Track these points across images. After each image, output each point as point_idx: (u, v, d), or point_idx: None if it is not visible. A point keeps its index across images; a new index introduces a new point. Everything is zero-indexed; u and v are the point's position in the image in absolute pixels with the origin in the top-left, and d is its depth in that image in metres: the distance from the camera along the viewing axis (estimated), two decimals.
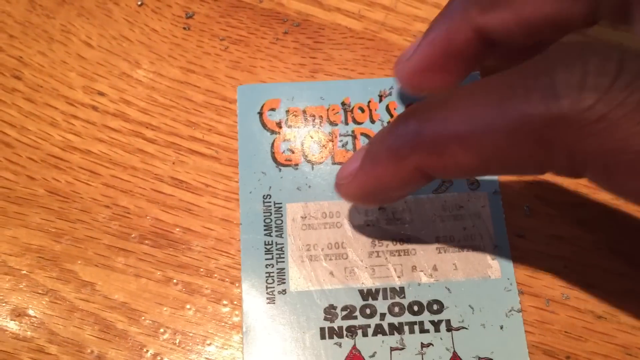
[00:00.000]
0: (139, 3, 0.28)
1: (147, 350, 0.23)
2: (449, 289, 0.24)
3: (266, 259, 0.24)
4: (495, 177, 0.25)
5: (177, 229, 0.25)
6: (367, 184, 0.21)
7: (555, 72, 0.15)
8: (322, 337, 0.23)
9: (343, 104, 0.27)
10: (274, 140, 0.26)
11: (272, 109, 0.27)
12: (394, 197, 0.22)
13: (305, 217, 0.25)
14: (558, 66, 0.15)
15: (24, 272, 0.24)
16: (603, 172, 0.16)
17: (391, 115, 0.26)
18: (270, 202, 0.25)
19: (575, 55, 0.15)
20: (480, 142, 0.17)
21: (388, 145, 0.20)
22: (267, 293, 0.24)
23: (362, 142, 0.26)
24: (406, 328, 0.23)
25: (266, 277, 0.24)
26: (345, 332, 0.23)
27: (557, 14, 0.19)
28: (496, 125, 0.16)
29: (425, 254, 0.24)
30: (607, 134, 0.15)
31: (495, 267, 0.24)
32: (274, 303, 0.24)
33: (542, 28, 0.20)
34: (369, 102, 0.27)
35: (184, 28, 0.28)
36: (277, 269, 0.24)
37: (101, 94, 0.27)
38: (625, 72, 0.15)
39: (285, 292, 0.24)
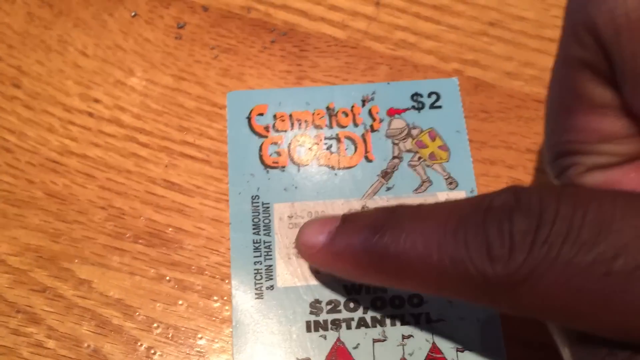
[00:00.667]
0: (133, 14, 0.30)
1: (142, 344, 0.24)
2: None
3: (254, 257, 0.25)
4: (472, 176, 0.27)
5: (170, 229, 0.26)
6: (328, 267, 0.22)
7: (488, 229, 0.17)
8: (308, 330, 0.24)
9: (328, 108, 0.28)
10: (262, 144, 0.27)
11: (260, 114, 0.28)
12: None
13: (292, 217, 0.26)
14: (490, 222, 0.17)
15: (24, 270, 0.25)
16: (543, 317, 0.17)
17: (373, 119, 0.28)
18: (258, 202, 0.26)
19: (503, 209, 0.17)
20: (431, 283, 0.19)
21: (332, 244, 0.22)
22: (256, 289, 0.25)
23: (345, 145, 0.27)
24: (388, 321, 0.25)
25: (255, 273, 0.25)
26: (330, 325, 0.24)
27: None
28: (445, 275, 0.18)
29: None
30: (536, 290, 0.16)
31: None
32: (262, 298, 0.25)
33: None
34: (353, 106, 0.28)
35: (176, 38, 0.29)
36: (265, 265, 0.25)
37: (97, 101, 0.28)
38: (543, 226, 0.16)
39: (273, 288, 0.25)
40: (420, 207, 0.20)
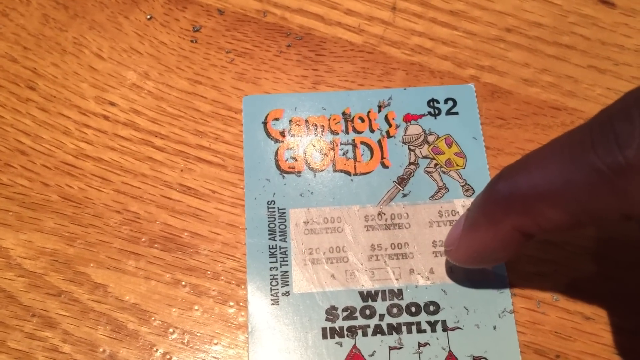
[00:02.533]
0: (148, 17, 0.30)
1: (157, 350, 0.24)
2: (444, 291, 0.25)
3: (270, 262, 0.25)
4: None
5: (185, 234, 0.26)
6: (470, 248, 0.22)
7: (616, 123, 0.16)
8: (324, 336, 0.24)
9: (344, 114, 0.28)
10: (277, 149, 0.27)
11: (276, 119, 0.28)
12: (500, 257, 0.23)
13: (308, 222, 0.26)
14: (617, 117, 0.16)
15: (39, 274, 0.25)
16: None
17: (390, 125, 0.28)
18: (274, 207, 0.26)
19: (632, 104, 0.16)
20: (563, 198, 0.17)
21: (484, 211, 0.21)
22: (272, 295, 0.25)
23: (361, 150, 0.27)
24: (404, 328, 0.25)
25: (270, 279, 0.25)
26: (346, 332, 0.24)
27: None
28: (573, 181, 0.17)
29: (422, 258, 0.26)
30: None
31: (488, 270, 0.25)
32: (278, 304, 0.25)
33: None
34: (369, 112, 0.28)
35: (192, 41, 0.29)
36: (281, 271, 0.25)
37: (112, 104, 0.28)
38: None
39: (289, 294, 0.25)
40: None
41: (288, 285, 0.25)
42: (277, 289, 0.25)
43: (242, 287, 0.25)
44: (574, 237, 0.26)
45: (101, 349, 0.24)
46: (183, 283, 0.25)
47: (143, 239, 0.26)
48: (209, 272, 0.25)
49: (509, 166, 0.20)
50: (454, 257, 0.23)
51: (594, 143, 0.16)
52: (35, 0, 0.30)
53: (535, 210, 0.18)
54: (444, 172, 0.27)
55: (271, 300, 0.25)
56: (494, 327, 0.24)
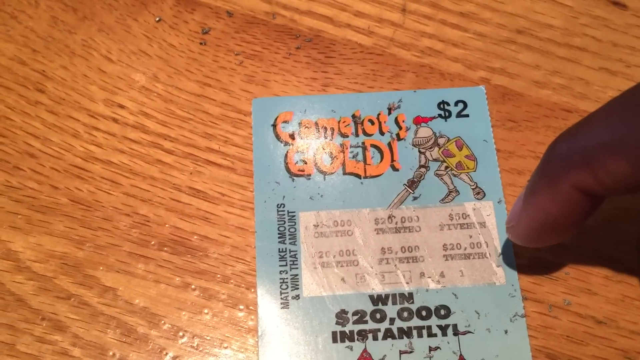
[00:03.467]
0: (157, 19, 0.30)
1: (167, 353, 0.24)
2: (455, 295, 0.25)
3: (280, 266, 0.25)
4: (499, 186, 0.26)
5: (195, 237, 0.26)
6: (532, 218, 0.21)
7: None
8: (334, 340, 0.24)
9: (353, 116, 0.28)
10: (287, 152, 0.27)
11: (286, 121, 0.28)
12: (564, 227, 0.21)
13: (318, 226, 0.26)
14: None
15: (48, 277, 0.25)
16: None
17: (400, 127, 0.27)
18: (284, 210, 0.26)
19: None
20: (625, 145, 0.17)
21: (542, 172, 0.20)
22: (282, 298, 0.25)
23: (371, 153, 0.27)
24: (415, 332, 0.24)
25: (280, 283, 0.25)
26: (356, 336, 0.24)
27: None
28: (636, 128, 0.17)
29: (432, 261, 0.25)
30: None
31: (500, 274, 0.25)
32: (288, 308, 0.25)
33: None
34: (379, 114, 0.28)
35: (201, 43, 0.29)
36: (291, 275, 0.25)
37: (121, 106, 0.28)
38: None
39: (299, 298, 0.25)
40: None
41: (298, 288, 0.25)
42: (287, 293, 0.25)
43: (252, 290, 0.25)
44: (586, 241, 0.26)
45: (111, 353, 0.24)
46: (193, 286, 0.25)
47: (152, 242, 0.26)
48: (218, 276, 0.25)
49: (568, 128, 0.20)
50: (516, 233, 0.22)
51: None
52: (44, 2, 0.30)
53: (595, 162, 0.18)
54: (454, 175, 0.27)
55: (281, 303, 0.25)
56: (505, 332, 0.24)
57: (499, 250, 0.26)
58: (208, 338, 0.24)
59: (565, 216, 0.20)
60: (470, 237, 0.26)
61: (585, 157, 0.18)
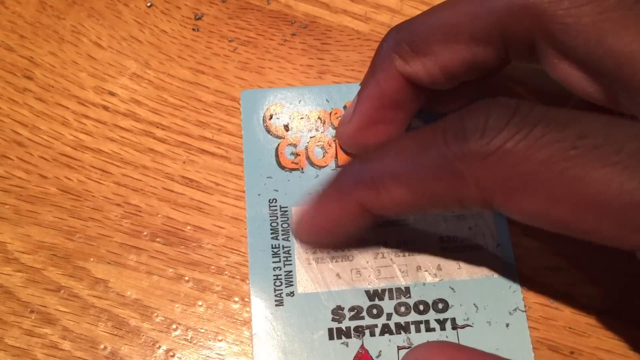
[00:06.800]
0: (149, 4, 0.29)
1: (160, 346, 0.23)
2: (453, 289, 0.24)
3: (274, 262, 0.25)
4: None
5: (188, 227, 0.25)
6: (318, 219, 0.23)
7: (466, 120, 0.18)
8: (331, 337, 0.24)
9: (345, 107, 0.27)
10: (278, 145, 0.26)
11: (276, 114, 0.27)
12: (342, 232, 0.23)
13: None
14: (468, 115, 0.18)
15: (37, 269, 0.24)
16: (503, 198, 0.18)
17: None
18: (276, 205, 0.25)
19: (482, 106, 0.18)
20: (410, 177, 0.20)
21: (335, 183, 0.22)
22: (276, 295, 0.24)
23: None
24: (412, 327, 0.24)
25: (274, 279, 0.24)
26: (353, 333, 0.24)
27: (472, 58, 0.22)
28: (421, 163, 0.19)
29: (429, 254, 0.25)
30: (503, 163, 0.17)
31: (498, 265, 0.25)
32: (282, 305, 0.24)
33: (461, 72, 0.22)
34: None
35: (193, 29, 0.28)
36: (285, 271, 0.24)
37: (112, 94, 0.27)
38: (518, 115, 0.18)
39: (293, 294, 0.24)
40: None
41: (292, 285, 0.24)
42: (282, 290, 0.24)
43: (247, 282, 0.24)
44: None
45: (102, 346, 0.23)
46: (186, 278, 0.24)
47: (144, 233, 0.25)
48: (212, 267, 0.25)
49: (366, 151, 0.23)
50: (305, 231, 0.24)
51: (445, 133, 0.19)
52: None
53: (382, 187, 0.20)
54: None
55: (275, 301, 0.24)
56: (506, 325, 0.24)
57: (497, 242, 0.25)
58: (202, 330, 0.24)
59: (346, 224, 0.22)
60: (469, 229, 0.25)
61: (374, 182, 0.20)
